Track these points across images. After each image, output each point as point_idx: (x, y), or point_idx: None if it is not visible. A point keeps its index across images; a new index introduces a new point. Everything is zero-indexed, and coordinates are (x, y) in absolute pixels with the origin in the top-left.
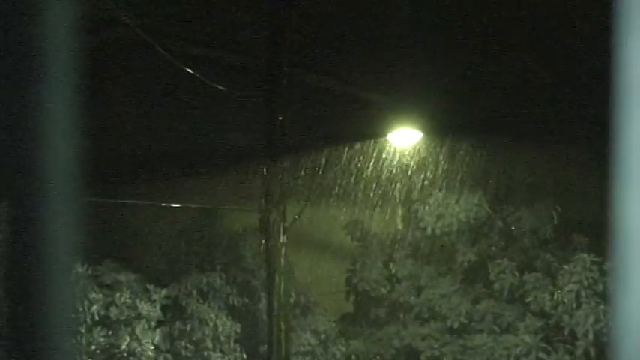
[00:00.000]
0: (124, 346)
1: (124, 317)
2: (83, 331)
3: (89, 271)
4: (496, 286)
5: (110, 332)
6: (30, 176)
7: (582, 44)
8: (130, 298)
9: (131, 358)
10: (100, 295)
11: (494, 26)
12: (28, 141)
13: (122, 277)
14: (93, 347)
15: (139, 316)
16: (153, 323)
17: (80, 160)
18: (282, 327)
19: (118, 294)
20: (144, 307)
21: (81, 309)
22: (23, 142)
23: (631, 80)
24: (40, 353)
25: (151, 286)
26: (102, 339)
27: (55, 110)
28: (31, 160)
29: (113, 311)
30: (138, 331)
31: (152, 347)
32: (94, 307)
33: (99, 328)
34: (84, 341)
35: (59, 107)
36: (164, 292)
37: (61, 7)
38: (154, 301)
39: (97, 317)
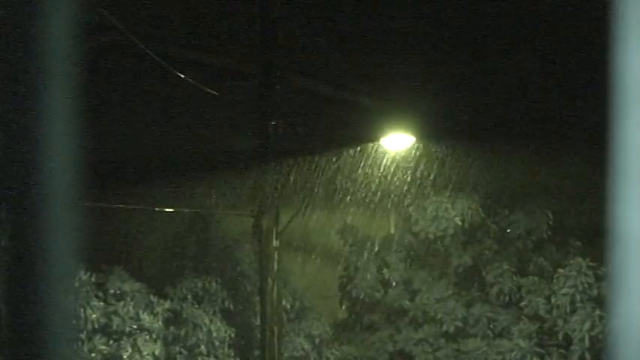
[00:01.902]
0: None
1: (126, 329)
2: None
3: (93, 279)
4: (494, 289)
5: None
6: (29, 181)
7: (578, 46)
8: (133, 308)
9: None
10: (102, 304)
11: (488, 29)
12: (27, 146)
13: (126, 288)
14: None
15: (142, 328)
16: (154, 336)
17: (78, 164)
18: (275, 331)
19: (121, 304)
20: (145, 318)
21: (83, 316)
22: (22, 148)
23: (629, 82)
24: (40, 358)
25: (154, 299)
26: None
27: (53, 115)
28: (29, 166)
29: (115, 320)
30: (140, 342)
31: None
32: (94, 315)
33: (98, 335)
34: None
35: (57, 112)
36: (167, 304)
37: (58, 13)
38: (157, 313)
39: (96, 325)
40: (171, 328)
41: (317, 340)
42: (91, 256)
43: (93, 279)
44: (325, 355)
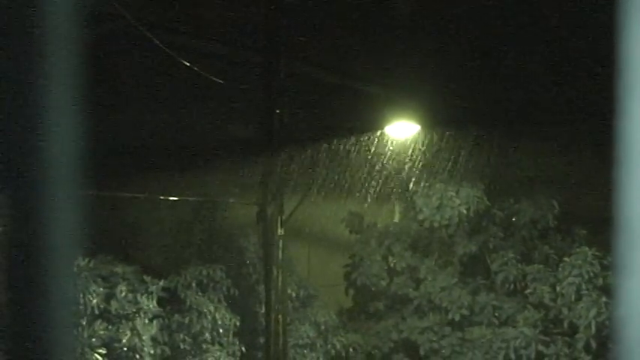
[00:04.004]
0: (124, 341)
1: (124, 312)
2: (84, 323)
3: (91, 264)
4: (500, 277)
5: (110, 326)
6: (31, 169)
7: (584, 36)
8: (131, 292)
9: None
10: (101, 289)
11: (494, 17)
12: (29, 135)
13: (119, 270)
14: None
15: (140, 311)
16: (150, 315)
17: (80, 153)
18: (280, 319)
19: (118, 288)
20: (144, 301)
21: (82, 302)
22: (24, 136)
23: (634, 71)
24: (40, 346)
25: (148, 279)
26: (102, 332)
27: (56, 103)
28: (31, 154)
29: (114, 305)
30: (139, 325)
31: (151, 343)
32: (95, 301)
33: (99, 321)
34: (85, 334)
35: (61, 100)
36: (162, 283)
37: (61, 2)
38: (152, 292)
39: (96, 311)
40: (176, 315)
41: (322, 328)
42: (94, 243)
43: (91, 265)
44: (331, 342)
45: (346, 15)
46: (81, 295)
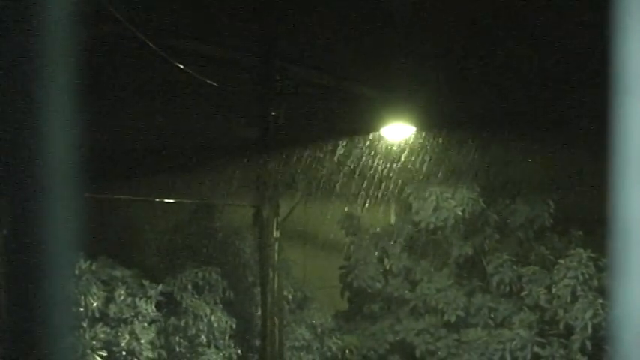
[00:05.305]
0: (123, 344)
1: (123, 316)
2: (85, 325)
3: (93, 267)
4: (495, 279)
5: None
6: (30, 172)
7: (580, 37)
8: (129, 295)
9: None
10: (102, 292)
11: (489, 20)
12: (27, 138)
13: (117, 273)
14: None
15: (138, 315)
16: (149, 319)
17: (78, 156)
18: (276, 322)
19: (117, 292)
20: (142, 305)
21: (84, 304)
22: (22, 139)
23: (630, 72)
24: (41, 348)
25: (146, 282)
26: (102, 335)
27: (52, 107)
28: (30, 157)
29: (112, 308)
30: (137, 329)
31: (149, 346)
32: (95, 304)
33: (100, 324)
34: (87, 336)
35: (57, 103)
36: (160, 287)
37: (57, 3)
38: (150, 297)
39: (97, 314)
40: (172, 318)
41: (318, 330)
42: (92, 246)
43: (93, 267)
44: (327, 344)
45: (342, 17)
46: (82, 298)
